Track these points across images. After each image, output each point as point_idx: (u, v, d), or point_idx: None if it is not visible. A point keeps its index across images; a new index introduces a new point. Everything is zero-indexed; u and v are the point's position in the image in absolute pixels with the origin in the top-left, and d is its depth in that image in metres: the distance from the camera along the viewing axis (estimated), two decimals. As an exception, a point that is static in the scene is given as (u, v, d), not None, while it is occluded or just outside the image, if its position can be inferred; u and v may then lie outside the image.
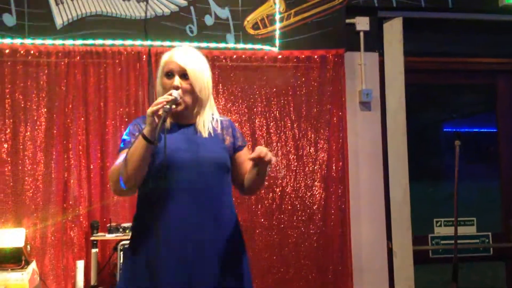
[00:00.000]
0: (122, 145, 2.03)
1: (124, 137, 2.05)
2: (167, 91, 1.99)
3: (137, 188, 2.00)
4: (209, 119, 2.11)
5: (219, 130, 2.13)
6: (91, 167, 3.67)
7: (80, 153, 3.67)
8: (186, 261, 1.90)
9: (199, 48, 3.76)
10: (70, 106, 3.69)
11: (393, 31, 4.14)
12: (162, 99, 1.92)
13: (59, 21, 3.72)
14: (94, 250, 3.46)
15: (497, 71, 4.56)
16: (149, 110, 1.89)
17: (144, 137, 1.86)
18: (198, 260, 1.92)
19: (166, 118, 1.91)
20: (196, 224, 1.94)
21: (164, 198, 1.93)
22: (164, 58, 2.08)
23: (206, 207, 1.97)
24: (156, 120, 1.87)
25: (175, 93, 1.97)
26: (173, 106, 1.94)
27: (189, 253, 1.91)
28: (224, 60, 3.92)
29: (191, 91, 2.03)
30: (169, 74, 2.03)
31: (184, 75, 2.03)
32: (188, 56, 2.05)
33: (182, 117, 2.06)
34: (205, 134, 2.06)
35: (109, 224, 3.50)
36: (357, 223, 4.02)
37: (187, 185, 1.95)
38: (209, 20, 3.92)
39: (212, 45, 3.89)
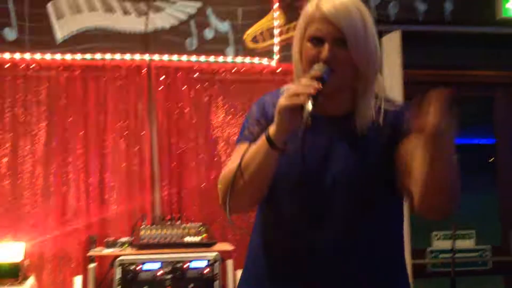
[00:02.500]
0: (240, 135, 1.45)
1: (246, 122, 1.46)
2: (309, 64, 1.32)
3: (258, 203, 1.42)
4: (371, 109, 1.39)
5: (381, 125, 1.38)
6: (90, 181, 3.66)
7: (79, 167, 3.66)
8: None
9: (199, 62, 3.85)
10: (70, 120, 3.69)
11: (392, 44, 4.16)
12: (303, 86, 1.23)
13: (59, 35, 3.73)
14: (91, 265, 3.44)
15: (495, 84, 4.58)
16: (282, 102, 1.23)
17: (270, 141, 1.27)
18: None
19: (308, 118, 1.20)
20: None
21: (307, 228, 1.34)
22: (307, 10, 1.37)
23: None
24: (289, 119, 1.23)
25: (322, 70, 1.29)
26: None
27: None
28: (223, 74, 3.93)
29: (350, 64, 1.33)
30: (316, 40, 1.33)
31: (340, 41, 1.31)
32: (345, 9, 1.32)
33: (330, 102, 1.35)
34: (365, 132, 1.35)
35: (106, 239, 3.49)
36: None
37: (341, 212, 1.33)
38: (209, 34, 3.93)
39: (212, 58, 3.90)
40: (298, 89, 1.22)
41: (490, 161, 4.71)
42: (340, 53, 1.31)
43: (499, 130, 4.59)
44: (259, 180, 1.32)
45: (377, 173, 1.35)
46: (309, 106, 1.20)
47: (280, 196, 1.37)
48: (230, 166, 1.36)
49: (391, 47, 4.15)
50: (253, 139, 1.36)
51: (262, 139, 1.29)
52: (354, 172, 1.35)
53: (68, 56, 3.71)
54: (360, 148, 1.36)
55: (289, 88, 1.25)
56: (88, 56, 3.74)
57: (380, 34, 4.20)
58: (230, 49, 3.94)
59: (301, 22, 1.37)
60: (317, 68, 1.29)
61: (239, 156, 1.33)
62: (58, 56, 3.70)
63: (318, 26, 1.33)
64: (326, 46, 1.31)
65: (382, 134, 1.38)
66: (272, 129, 1.27)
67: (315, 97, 1.21)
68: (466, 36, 4.43)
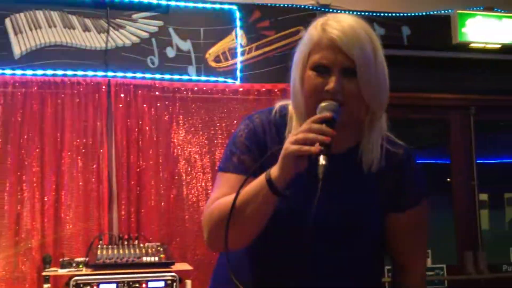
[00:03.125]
0: (227, 163, 1.29)
1: (233, 148, 1.29)
2: (312, 94, 1.20)
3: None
4: (378, 145, 1.28)
5: (384, 166, 1.29)
6: (45, 199, 3.58)
7: (34, 185, 3.58)
8: None
9: (160, 80, 3.85)
10: (26, 137, 3.62)
11: (351, 67, 4.25)
12: (315, 130, 1.10)
13: (17, 51, 3.67)
14: (46, 286, 3.34)
15: (450, 107, 4.71)
16: (291, 149, 1.10)
17: (271, 185, 1.13)
18: None
19: (323, 172, 1.08)
20: None
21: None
22: (311, 35, 1.23)
23: None
24: (296, 165, 1.11)
25: (333, 109, 1.16)
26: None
27: None
28: (185, 92, 3.93)
29: (359, 97, 1.20)
30: (322, 68, 1.20)
31: (349, 71, 1.19)
32: (355, 35, 1.19)
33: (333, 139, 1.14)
34: (370, 169, 1.24)
35: (62, 259, 3.41)
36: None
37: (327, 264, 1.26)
38: (170, 52, 3.93)
39: (174, 77, 3.91)
40: (310, 136, 1.09)
41: (447, 181, 4.81)
42: (348, 85, 1.19)
43: (454, 151, 4.72)
44: (255, 223, 1.19)
45: (377, 213, 1.30)
46: (324, 159, 1.08)
47: (273, 238, 1.25)
48: (218, 203, 1.22)
49: (350, 69, 4.24)
50: (244, 170, 1.23)
51: (261, 181, 1.15)
52: (362, 208, 1.27)
53: (26, 72, 3.66)
54: (364, 186, 1.28)
55: (297, 131, 1.13)
56: (46, 72, 3.69)
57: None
58: (192, 68, 3.95)
59: (303, 46, 1.25)
60: (327, 107, 1.16)
61: (229, 187, 1.22)
62: (15, 72, 3.64)
63: (325, 53, 1.19)
64: (334, 77, 1.18)
65: (386, 177, 1.29)
66: (274, 172, 1.13)
67: (328, 146, 1.09)
68: (423, 59, 4.56)
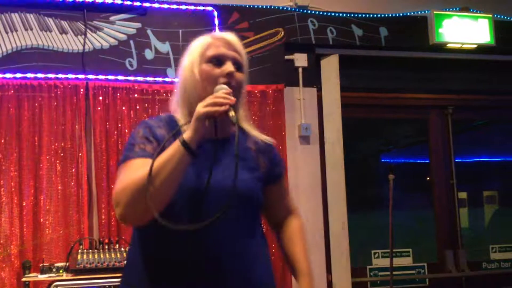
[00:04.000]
0: (129, 153, 1.47)
1: (134, 141, 1.49)
2: (212, 82, 1.47)
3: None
4: (252, 130, 1.63)
5: (253, 151, 1.60)
6: (24, 204, 3.53)
7: (12, 189, 3.53)
8: None
9: (139, 82, 3.82)
10: (2, 141, 3.56)
11: (330, 67, 4.28)
12: (220, 97, 1.39)
13: (-8, 54, 3.62)
14: (25, 292, 3.31)
15: (428, 106, 4.77)
16: (202, 110, 1.36)
17: (186, 145, 1.35)
18: None
19: (236, 120, 1.38)
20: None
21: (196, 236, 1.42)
22: (205, 40, 1.54)
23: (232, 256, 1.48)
24: (206, 125, 1.37)
25: (229, 88, 1.45)
26: (231, 113, 1.39)
27: None
28: (164, 94, 3.90)
29: (240, 87, 1.53)
30: (217, 60, 1.50)
31: (236, 64, 1.52)
32: (239, 42, 1.56)
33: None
34: (236, 151, 1.39)
35: (42, 264, 3.36)
36: (297, 256, 4.04)
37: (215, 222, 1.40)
38: (149, 54, 3.91)
39: (153, 79, 3.88)
40: (219, 100, 1.37)
41: (427, 179, 4.86)
42: (237, 75, 1.50)
43: (433, 150, 4.77)
44: (170, 186, 1.37)
45: (260, 186, 1.57)
46: (233, 112, 1.38)
47: (178, 204, 1.43)
48: (129, 178, 1.38)
49: (329, 70, 4.27)
50: (146, 155, 1.43)
51: (174, 147, 1.36)
52: (250, 183, 1.54)
53: (2, 75, 3.60)
54: (251, 164, 1.56)
55: (209, 97, 1.39)
56: (23, 75, 3.64)
57: (319, 57, 4.32)
58: (171, 70, 3.93)
59: (196, 49, 1.53)
60: (223, 87, 1.44)
61: (137, 169, 1.38)
62: (-9, 75, 3.59)
63: (219, 48, 1.50)
64: (229, 63, 1.49)
65: (263, 156, 1.61)
66: (187, 135, 1.36)
67: (233, 107, 1.38)
68: (401, 60, 4.61)
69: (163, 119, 1.55)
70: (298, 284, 1.66)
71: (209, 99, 1.38)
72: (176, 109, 1.56)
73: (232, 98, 1.39)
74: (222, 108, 1.36)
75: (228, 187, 1.38)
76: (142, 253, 1.50)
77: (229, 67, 1.49)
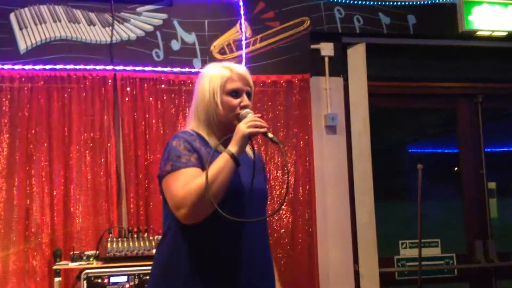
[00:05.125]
0: (178, 164, 1.75)
1: (179, 154, 1.76)
2: (231, 111, 1.83)
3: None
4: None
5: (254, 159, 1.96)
6: (54, 193, 3.60)
7: (43, 179, 3.59)
8: None
9: (165, 73, 3.85)
10: (33, 131, 3.63)
11: (357, 57, 4.23)
12: (258, 120, 1.75)
13: (22, 46, 3.68)
14: (57, 279, 3.36)
15: (457, 95, 4.68)
16: (248, 130, 1.73)
17: (234, 158, 1.71)
18: None
19: (275, 139, 1.78)
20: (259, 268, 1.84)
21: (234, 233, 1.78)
22: (224, 73, 1.86)
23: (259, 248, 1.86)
24: (247, 143, 1.77)
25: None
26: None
27: None
28: (191, 85, 3.91)
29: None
30: (236, 93, 1.85)
31: (248, 94, 1.89)
32: (249, 74, 1.92)
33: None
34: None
35: (72, 252, 3.43)
36: (324, 246, 4.04)
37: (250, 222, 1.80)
38: (175, 45, 3.93)
39: (179, 69, 3.90)
40: (257, 122, 1.74)
41: (455, 169, 4.80)
42: (250, 102, 1.88)
43: (462, 140, 4.69)
44: (224, 190, 1.69)
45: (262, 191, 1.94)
46: (270, 133, 1.76)
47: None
48: (190, 184, 1.68)
49: (356, 59, 4.22)
50: (193, 165, 1.75)
51: (225, 159, 1.70)
52: (264, 185, 1.96)
53: (32, 67, 3.66)
54: (259, 171, 1.93)
55: (247, 120, 1.76)
56: (52, 67, 3.69)
57: (345, 46, 4.28)
58: (197, 60, 3.95)
59: (216, 80, 1.84)
60: (251, 112, 1.82)
61: (188, 177, 1.70)
62: (21, 67, 3.65)
63: (237, 83, 1.85)
64: (244, 97, 1.85)
65: (259, 164, 1.98)
66: (233, 150, 1.71)
67: (265, 130, 1.76)
68: (429, 48, 4.54)
69: (193, 134, 1.84)
70: None
71: (250, 122, 1.74)
72: (198, 126, 1.88)
73: (264, 123, 1.75)
74: (263, 130, 1.74)
75: (257, 189, 1.85)
76: (188, 249, 1.77)
77: (245, 100, 1.85)
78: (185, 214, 1.68)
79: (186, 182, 1.69)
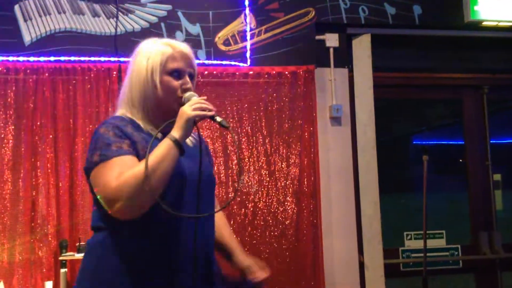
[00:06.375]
0: (108, 152, 1.54)
1: (108, 141, 1.56)
2: (171, 93, 1.64)
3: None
4: None
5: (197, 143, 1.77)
6: (60, 185, 3.61)
7: (49, 171, 3.61)
8: None
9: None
10: (38, 123, 3.64)
11: (362, 47, 4.21)
12: (204, 103, 1.58)
13: (27, 38, 3.68)
14: (63, 270, 3.39)
15: (463, 86, 4.66)
16: (193, 113, 1.55)
17: (178, 143, 1.53)
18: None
19: (224, 123, 1.62)
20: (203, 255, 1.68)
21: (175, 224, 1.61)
22: (165, 50, 1.67)
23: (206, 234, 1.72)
24: (192, 126, 1.58)
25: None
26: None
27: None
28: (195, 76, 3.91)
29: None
30: (177, 73, 1.66)
31: (191, 76, 1.70)
32: (192, 53, 1.73)
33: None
34: (191, 144, 1.72)
35: (78, 243, 3.45)
36: (329, 238, 4.04)
37: (193, 210, 1.64)
38: (180, 36, 3.92)
39: (183, 61, 3.89)
40: (204, 105, 1.57)
41: (460, 161, 4.78)
42: (191, 86, 1.68)
43: (467, 132, 4.67)
44: (166, 179, 1.52)
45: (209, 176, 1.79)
46: (218, 117, 1.61)
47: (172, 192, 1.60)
48: (125, 174, 1.49)
49: (361, 50, 4.20)
50: (125, 152, 1.55)
51: (167, 145, 1.52)
52: (211, 172, 1.81)
53: (36, 59, 3.66)
54: (195, 159, 1.70)
55: (191, 102, 1.58)
56: (56, 58, 3.69)
57: (350, 37, 4.26)
58: (201, 52, 3.94)
59: (156, 57, 1.65)
60: (195, 95, 1.65)
61: (121, 167, 1.50)
62: (26, 59, 3.65)
63: (179, 62, 1.66)
64: (187, 78, 1.66)
65: (204, 148, 1.79)
66: (176, 135, 1.54)
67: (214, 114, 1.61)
68: (435, 39, 4.51)
69: (124, 119, 1.65)
70: (234, 261, 1.86)
71: (196, 104, 1.57)
72: (130, 111, 1.67)
73: (211, 106, 1.59)
74: (210, 113, 1.58)
75: (204, 176, 1.68)
76: (120, 254, 1.57)
77: (187, 82, 1.66)
78: (120, 208, 1.48)
79: (120, 173, 1.49)
